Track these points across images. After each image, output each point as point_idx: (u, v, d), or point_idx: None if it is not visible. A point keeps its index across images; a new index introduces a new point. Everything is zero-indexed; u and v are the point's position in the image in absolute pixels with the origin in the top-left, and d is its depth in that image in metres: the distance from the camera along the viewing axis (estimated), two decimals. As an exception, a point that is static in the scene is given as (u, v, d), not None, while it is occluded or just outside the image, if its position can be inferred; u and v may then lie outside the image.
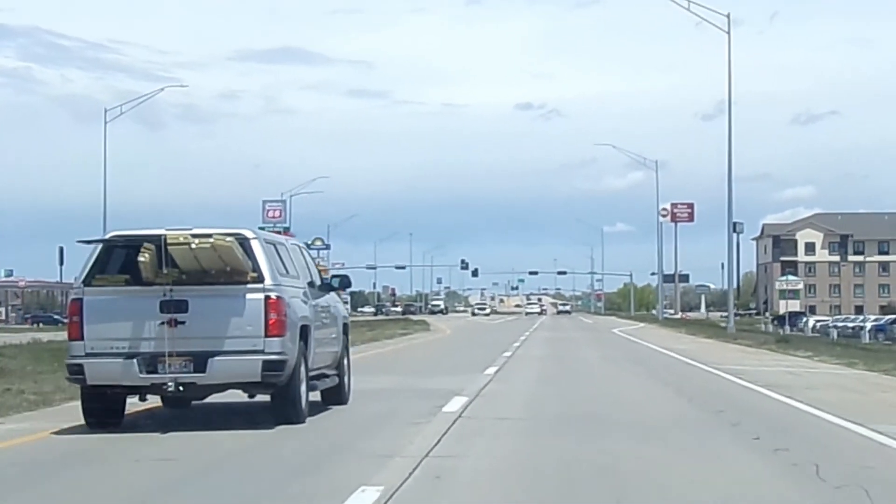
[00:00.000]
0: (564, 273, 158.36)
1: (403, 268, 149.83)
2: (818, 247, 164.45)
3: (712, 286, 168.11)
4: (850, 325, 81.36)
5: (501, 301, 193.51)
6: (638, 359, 29.52)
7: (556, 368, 24.79)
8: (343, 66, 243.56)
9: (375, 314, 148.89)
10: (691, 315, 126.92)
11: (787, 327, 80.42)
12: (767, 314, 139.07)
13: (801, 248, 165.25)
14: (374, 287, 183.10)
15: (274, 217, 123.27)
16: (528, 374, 22.52)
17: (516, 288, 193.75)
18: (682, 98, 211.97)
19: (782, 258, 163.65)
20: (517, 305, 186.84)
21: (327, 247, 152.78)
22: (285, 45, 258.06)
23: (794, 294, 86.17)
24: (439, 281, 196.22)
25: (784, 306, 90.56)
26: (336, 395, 14.61)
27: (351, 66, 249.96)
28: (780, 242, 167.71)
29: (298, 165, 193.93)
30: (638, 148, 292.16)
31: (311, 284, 13.82)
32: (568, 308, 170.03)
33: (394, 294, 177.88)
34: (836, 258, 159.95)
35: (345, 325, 15.33)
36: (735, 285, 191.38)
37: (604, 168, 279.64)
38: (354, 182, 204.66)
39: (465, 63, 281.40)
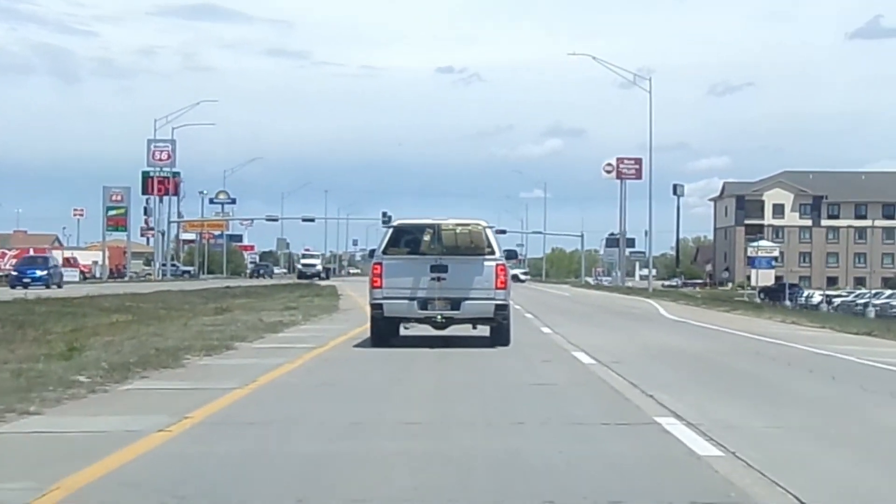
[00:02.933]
0: (504, 232, 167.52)
1: (312, 220, 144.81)
2: (787, 209, 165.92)
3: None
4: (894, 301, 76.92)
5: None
6: None
7: None
8: (263, 24, 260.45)
9: (252, 275, 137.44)
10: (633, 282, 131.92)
11: (788, 303, 78.53)
12: (731, 284, 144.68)
13: (768, 209, 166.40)
14: (289, 247, 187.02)
15: (161, 160, 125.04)
16: None
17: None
18: (604, 65, 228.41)
19: (747, 221, 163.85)
20: None
21: (232, 201, 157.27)
22: (206, 1, 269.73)
23: (768, 262, 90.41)
24: (355, 242, 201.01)
25: (755, 276, 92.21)
26: None
27: (271, 24, 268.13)
28: (744, 203, 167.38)
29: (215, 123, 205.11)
30: (558, 116, 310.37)
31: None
32: (521, 275, 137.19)
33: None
34: (809, 222, 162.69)
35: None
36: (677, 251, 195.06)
37: (521, 135, 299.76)
38: (270, 141, 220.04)
39: (387, 25, 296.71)
